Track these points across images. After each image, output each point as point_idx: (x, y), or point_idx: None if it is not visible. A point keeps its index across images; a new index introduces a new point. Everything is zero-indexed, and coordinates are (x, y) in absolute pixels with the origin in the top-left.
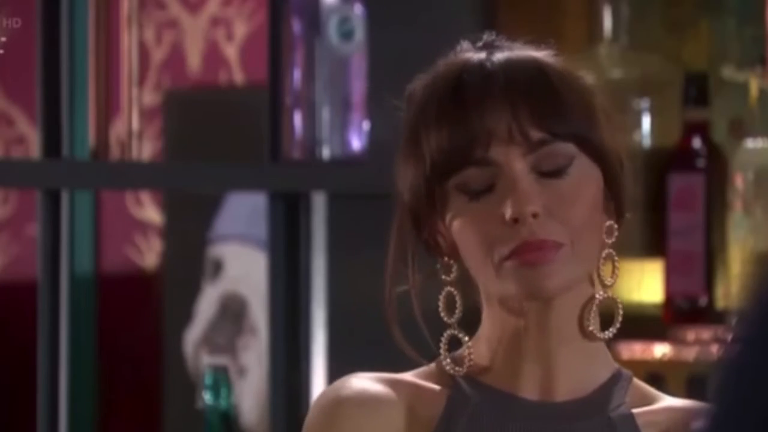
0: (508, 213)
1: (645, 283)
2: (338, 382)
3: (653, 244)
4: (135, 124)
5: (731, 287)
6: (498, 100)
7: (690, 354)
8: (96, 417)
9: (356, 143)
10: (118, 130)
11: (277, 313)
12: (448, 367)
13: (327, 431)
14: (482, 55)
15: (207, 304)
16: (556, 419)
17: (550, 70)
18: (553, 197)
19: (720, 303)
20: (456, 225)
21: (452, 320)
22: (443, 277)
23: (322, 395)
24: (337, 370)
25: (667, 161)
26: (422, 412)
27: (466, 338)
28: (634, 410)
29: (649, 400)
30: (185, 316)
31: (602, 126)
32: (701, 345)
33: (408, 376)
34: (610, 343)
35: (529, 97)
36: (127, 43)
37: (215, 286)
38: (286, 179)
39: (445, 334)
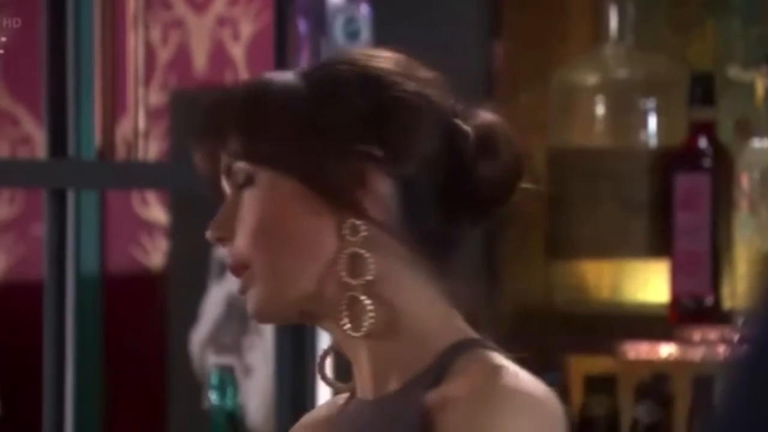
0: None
1: (651, 283)
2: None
3: (659, 244)
4: (141, 123)
5: (737, 287)
6: (209, 127)
7: (696, 354)
8: (102, 417)
9: None
10: (124, 129)
11: None
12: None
13: None
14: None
15: (213, 304)
16: (373, 414)
17: (253, 91)
18: (234, 217)
19: (726, 303)
20: None
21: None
22: None
23: None
24: (344, 369)
25: (673, 161)
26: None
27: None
28: (429, 392)
29: (455, 377)
30: (191, 315)
31: (289, 134)
32: (707, 345)
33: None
34: (614, 341)
35: (209, 128)
36: (133, 43)
37: (221, 286)
38: None
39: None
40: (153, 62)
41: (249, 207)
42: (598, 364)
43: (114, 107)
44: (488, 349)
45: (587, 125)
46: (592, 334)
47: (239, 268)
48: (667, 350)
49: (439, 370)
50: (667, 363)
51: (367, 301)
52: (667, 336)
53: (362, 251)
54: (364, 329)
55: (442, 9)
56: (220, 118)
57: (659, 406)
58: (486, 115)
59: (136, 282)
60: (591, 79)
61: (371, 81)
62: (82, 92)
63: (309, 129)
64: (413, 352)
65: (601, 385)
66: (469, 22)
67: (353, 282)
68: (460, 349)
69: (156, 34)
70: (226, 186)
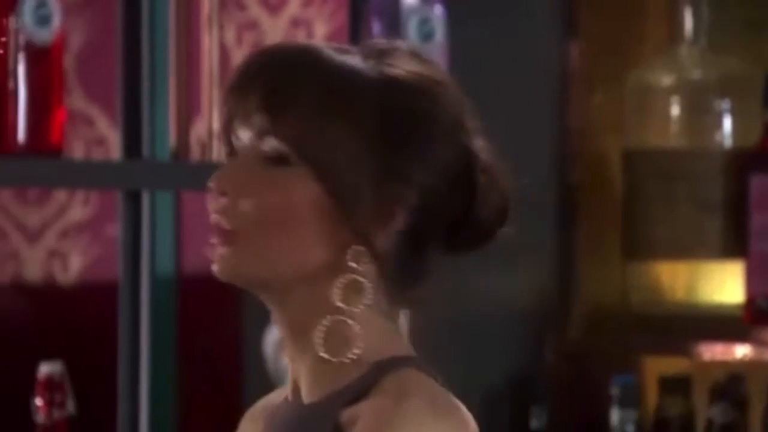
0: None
1: (726, 284)
2: None
3: (734, 245)
4: (216, 124)
5: None
6: (243, 85)
7: None
8: (176, 417)
9: None
10: (198, 130)
11: None
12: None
13: None
14: (282, 45)
15: None
16: (296, 419)
17: (317, 69)
18: (257, 183)
19: None
20: None
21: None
22: None
23: None
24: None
25: (747, 162)
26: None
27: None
28: (347, 408)
29: (372, 395)
30: (265, 316)
31: (345, 146)
32: None
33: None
34: (689, 341)
35: (265, 87)
36: (208, 44)
37: None
38: None
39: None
40: (227, 63)
41: (272, 186)
42: (673, 365)
43: (188, 108)
44: (416, 368)
45: (662, 126)
46: (667, 335)
47: (227, 230)
48: (742, 351)
49: (362, 385)
50: (742, 364)
51: (359, 330)
52: (742, 337)
53: (364, 280)
54: (351, 355)
55: (516, 9)
56: (282, 86)
57: (734, 407)
58: (483, 149)
59: (210, 282)
60: (666, 80)
61: (444, 123)
62: (156, 93)
63: (365, 148)
64: (348, 364)
65: (676, 386)
66: (544, 23)
67: (345, 307)
68: (390, 366)
69: (230, 35)
70: (242, 140)
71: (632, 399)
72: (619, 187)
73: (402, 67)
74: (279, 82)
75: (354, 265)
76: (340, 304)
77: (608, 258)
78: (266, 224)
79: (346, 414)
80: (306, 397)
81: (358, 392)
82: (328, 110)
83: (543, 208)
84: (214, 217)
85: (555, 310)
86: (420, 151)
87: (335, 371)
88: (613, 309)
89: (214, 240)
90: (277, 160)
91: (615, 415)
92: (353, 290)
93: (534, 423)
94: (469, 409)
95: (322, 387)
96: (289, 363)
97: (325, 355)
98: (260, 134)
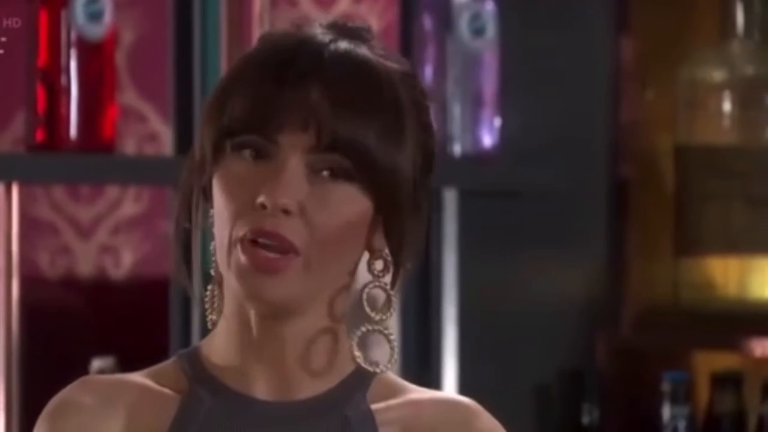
0: (261, 198)
1: None
2: (59, 393)
3: None
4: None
5: None
6: (313, 88)
7: None
8: None
9: (487, 140)
10: None
11: (407, 310)
12: (209, 323)
13: None
14: (326, 38)
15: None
16: (290, 420)
17: (379, 81)
18: (314, 200)
19: None
20: (220, 181)
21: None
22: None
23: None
24: (468, 368)
25: None
26: (150, 419)
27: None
28: (374, 406)
29: (393, 394)
30: None
31: (405, 159)
32: None
33: (139, 376)
34: (740, 337)
35: (341, 101)
36: None
37: None
38: None
39: (208, 292)
40: None
41: (335, 202)
42: (724, 362)
43: None
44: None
45: (714, 122)
46: (718, 331)
47: (290, 250)
48: None
49: (352, 387)
50: None
51: (394, 340)
52: None
53: (389, 289)
54: (391, 366)
55: (568, 5)
56: (352, 95)
57: None
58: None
59: None
60: (718, 75)
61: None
62: (208, 90)
63: (412, 164)
64: (335, 360)
65: (727, 382)
66: (595, 18)
67: (376, 317)
68: (363, 370)
69: None
70: (295, 155)
71: (683, 395)
72: (670, 183)
73: (398, 60)
74: (348, 89)
75: (380, 274)
76: (372, 315)
77: (659, 254)
78: (330, 244)
79: (383, 412)
80: (290, 393)
81: (360, 390)
82: (393, 126)
83: (594, 204)
84: (267, 234)
85: (606, 306)
86: (432, 162)
87: (328, 365)
88: (665, 305)
89: (259, 264)
90: (332, 172)
91: (666, 412)
92: (382, 300)
93: (585, 419)
94: (520, 404)
95: (313, 383)
96: (247, 366)
97: (377, 369)
98: (325, 148)
